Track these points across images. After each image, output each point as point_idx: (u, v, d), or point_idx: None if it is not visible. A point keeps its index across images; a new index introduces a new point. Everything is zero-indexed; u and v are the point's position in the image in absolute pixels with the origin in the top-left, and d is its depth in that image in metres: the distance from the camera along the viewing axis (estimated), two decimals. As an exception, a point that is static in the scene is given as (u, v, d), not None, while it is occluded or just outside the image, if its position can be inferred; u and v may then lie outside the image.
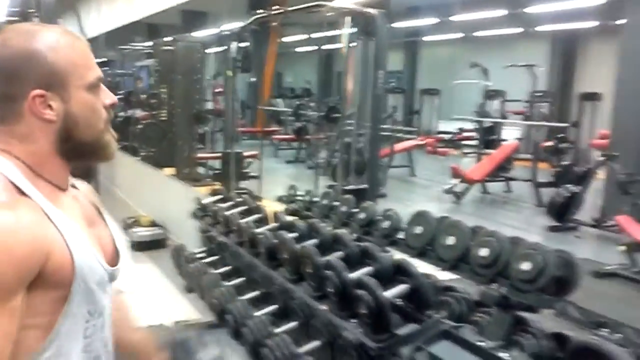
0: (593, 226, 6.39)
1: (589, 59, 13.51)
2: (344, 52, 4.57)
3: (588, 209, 6.58)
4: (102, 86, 1.01)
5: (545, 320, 1.89)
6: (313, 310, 2.06)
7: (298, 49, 20.52)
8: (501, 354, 1.57)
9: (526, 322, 1.86)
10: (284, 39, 16.42)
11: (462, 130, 13.65)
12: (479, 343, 1.62)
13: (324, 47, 18.60)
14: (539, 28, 13.31)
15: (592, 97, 10.61)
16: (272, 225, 2.67)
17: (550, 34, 13.67)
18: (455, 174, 8.16)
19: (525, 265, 1.83)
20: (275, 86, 17.56)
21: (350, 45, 4.79)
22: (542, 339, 1.79)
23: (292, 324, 2.15)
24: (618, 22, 7.31)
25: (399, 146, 10.25)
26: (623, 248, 4.92)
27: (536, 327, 1.83)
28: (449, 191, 8.08)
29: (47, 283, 0.89)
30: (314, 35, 16.68)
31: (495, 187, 8.98)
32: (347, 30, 4.33)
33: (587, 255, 5.56)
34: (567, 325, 1.84)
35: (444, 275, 2.25)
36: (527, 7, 11.98)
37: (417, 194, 9.17)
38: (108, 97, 1.02)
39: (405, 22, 14.82)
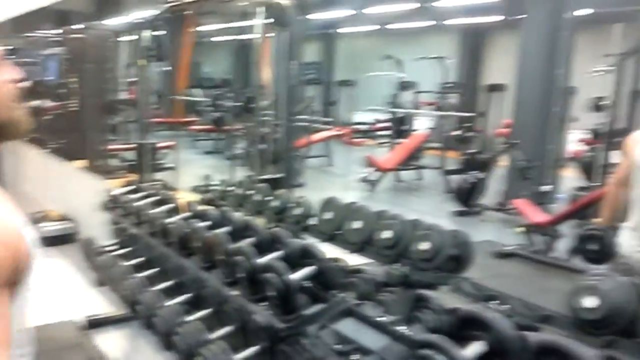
0: (496, 210, 6.81)
1: (495, 51, 14.21)
2: (258, 43, 4.59)
3: (492, 193, 7.00)
4: (5, 62, 1.01)
5: (444, 297, 2.04)
6: (225, 296, 2.11)
7: (217, 39, 20.20)
8: (400, 328, 1.69)
9: (426, 298, 2.00)
10: (202, 28, 16.10)
11: (377, 120, 14.03)
12: (379, 319, 1.73)
13: (242, 37, 18.46)
14: (448, 21, 13.85)
15: (497, 88, 11.22)
16: (184, 214, 2.68)
17: (459, 27, 14.22)
18: (370, 163, 8.42)
19: (424, 245, 1.97)
20: (194, 76, 17.21)
21: (266, 35, 4.83)
22: (439, 314, 1.93)
23: (204, 312, 2.19)
24: (519, 17, 7.73)
25: (316, 137, 10.39)
26: (521, 229, 5.30)
27: (435, 303, 1.98)
28: (363, 180, 8.32)
29: (14, 267, 0.92)
30: (232, 25, 16.47)
31: (407, 175, 9.33)
32: (260, 20, 4.36)
33: (490, 237, 5.92)
34: (463, 300, 1.99)
35: (354, 259, 2.36)
36: (436, 1, 12.49)
37: (334, 183, 9.36)
38: (12, 72, 1.01)
39: (321, 13, 14.98)
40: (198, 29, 14.72)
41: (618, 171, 2.81)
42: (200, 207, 2.75)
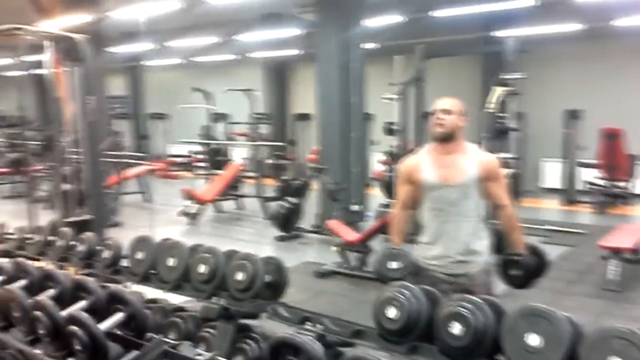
0: (314, 232, 7.11)
1: (299, 82, 14.88)
2: (52, 78, 4.28)
3: (309, 217, 7.29)
4: None
5: (266, 324, 2.06)
6: (27, 356, 1.90)
7: (9, 73, 18.39)
8: (219, 363, 1.66)
9: (249, 328, 2.01)
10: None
11: (193, 153, 13.87)
12: (198, 357, 1.69)
13: (36, 71, 16.99)
14: (252, 55, 14.21)
15: (304, 117, 11.77)
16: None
17: (264, 60, 14.63)
18: (188, 196, 8.26)
19: (240, 276, 1.98)
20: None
21: (61, 70, 4.53)
22: (261, 342, 1.94)
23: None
24: (314, 50, 8.16)
25: (130, 172, 9.92)
26: (336, 248, 5.60)
27: (257, 332, 1.99)
28: (183, 213, 8.13)
29: None
30: (25, 59, 15.10)
31: (228, 205, 9.34)
32: (49, 55, 4.07)
33: (310, 258, 6.18)
34: (281, 325, 2.01)
35: (175, 297, 2.29)
36: (237, 35, 12.84)
37: (154, 219, 8.98)
38: None
39: (122, 47, 14.49)
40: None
41: (399, 196, 2.91)
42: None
